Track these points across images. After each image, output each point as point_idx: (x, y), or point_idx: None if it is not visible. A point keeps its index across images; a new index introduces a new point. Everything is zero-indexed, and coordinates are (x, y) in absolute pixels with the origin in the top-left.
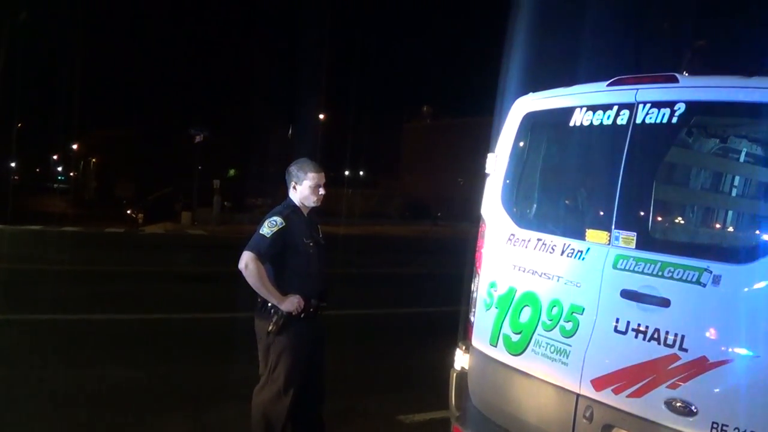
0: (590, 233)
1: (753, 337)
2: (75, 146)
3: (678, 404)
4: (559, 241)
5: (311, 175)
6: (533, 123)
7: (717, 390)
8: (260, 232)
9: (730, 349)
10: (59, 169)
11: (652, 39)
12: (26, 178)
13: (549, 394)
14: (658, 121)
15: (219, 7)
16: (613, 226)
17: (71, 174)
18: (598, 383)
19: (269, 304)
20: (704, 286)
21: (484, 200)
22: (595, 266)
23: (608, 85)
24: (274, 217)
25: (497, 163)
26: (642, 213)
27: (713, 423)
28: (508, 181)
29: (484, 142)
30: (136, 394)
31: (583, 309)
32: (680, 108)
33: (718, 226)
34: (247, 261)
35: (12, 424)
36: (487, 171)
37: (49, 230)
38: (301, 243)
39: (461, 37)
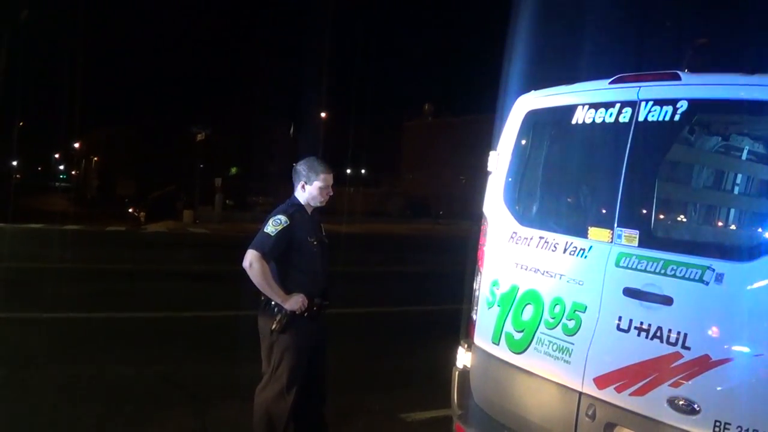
0: (593, 231)
1: (755, 336)
2: (77, 145)
3: (681, 402)
4: (562, 239)
5: (322, 176)
6: (535, 121)
7: (719, 388)
8: (265, 230)
9: (732, 348)
10: (61, 167)
11: (653, 36)
12: (28, 177)
13: (551, 392)
14: (661, 118)
15: (221, 5)
16: (615, 224)
17: (73, 172)
18: (601, 381)
19: (273, 303)
20: (707, 284)
21: (486, 198)
22: (597, 264)
23: (610, 83)
24: (279, 216)
25: (499, 161)
26: (644, 211)
27: (716, 421)
28: (510, 179)
29: (486, 140)
30: (139, 392)
31: (586, 307)
32: (682, 106)
33: (720, 224)
34: (251, 260)
35: (14, 421)
36: (489, 169)
37: (50, 229)
38: (305, 242)
39: (462, 35)
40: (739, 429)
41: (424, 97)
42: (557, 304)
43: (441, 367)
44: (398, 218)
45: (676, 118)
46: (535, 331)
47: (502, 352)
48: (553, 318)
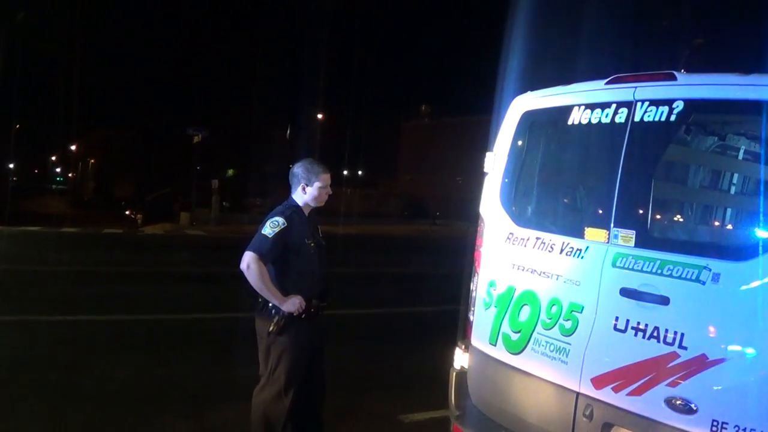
0: (589, 231)
1: (752, 335)
2: (73, 147)
3: (678, 402)
4: (558, 239)
5: (322, 176)
6: (532, 121)
7: (717, 388)
8: (262, 232)
9: (729, 347)
10: (57, 170)
11: (650, 37)
12: (25, 179)
13: (549, 392)
14: (657, 119)
15: (217, 7)
16: (612, 225)
17: (70, 175)
18: (598, 381)
19: (270, 305)
20: (703, 283)
21: (482, 199)
22: (594, 265)
23: (606, 83)
24: (276, 218)
25: (496, 162)
26: (641, 211)
27: (713, 421)
28: (506, 180)
29: (483, 141)
30: (136, 394)
31: (583, 307)
32: (678, 106)
33: (717, 223)
34: (248, 261)
35: (13, 425)
36: (485, 170)
37: (47, 231)
38: (302, 243)
39: (459, 36)
40: (737, 428)
41: (421, 98)
42: (554, 305)
43: (438, 368)
44: (395, 219)
45: (672, 118)
46: (532, 332)
47: (500, 353)
48: (550, 318)
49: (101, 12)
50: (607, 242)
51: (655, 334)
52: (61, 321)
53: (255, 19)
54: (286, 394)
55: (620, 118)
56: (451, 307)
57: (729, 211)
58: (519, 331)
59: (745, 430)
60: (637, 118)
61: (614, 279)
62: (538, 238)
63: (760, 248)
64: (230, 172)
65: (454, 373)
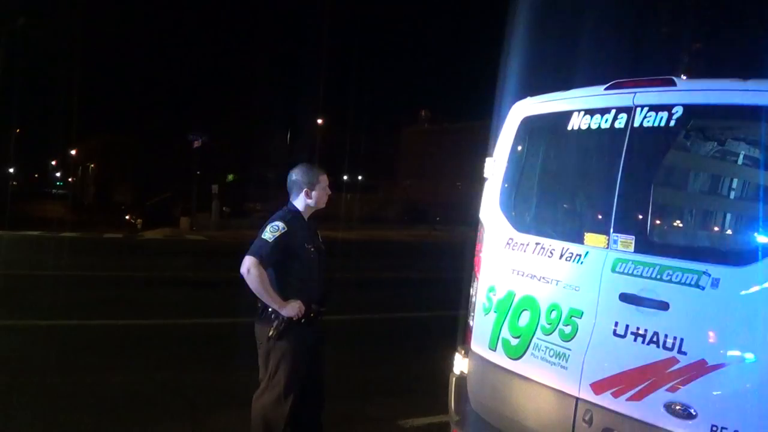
0: (589, 237)
1: (752, 340)
2: (73, 152)
3: (677, 407)
4: (558, 244)
5: (322, 177)
6: (531, 127)
7: (716, 393)
8: (262, 237)
9: (728, 352)
10: (57, 174)
11: (649, 42)
12: (24, 184)
13: (548, 397)
14: (656, 124)
15: (217, 12)
16: (611, 230)
17: (70, 179)
18: (598, 387)
19: (270, 309)
20: (703, 289)
21: (482, 204)
22: (593, 270)
23: (606, 89)
24: (276, 222)
25: (495, 168)
26: (640, 216)
27: (713, 426)
28: (506, 185)
29: (483, 147)
30: (136, 400)
31: (582, 313)
32: (678, 111)
33: (716, 228)
34: (249, 266)
35: (14, 429)
36: (485, 175)
37: (47, 236)
38: (302, 248)
39: (459, 41)
40: None
41: (421, 103)
42: (554, 310)
43: (438, 373)
44: (395, 224)
45: (672, 123)
46: (532, 337)
47: (499, 358)
48: (549, 324)
49: (102, 17)
50: (607, 247)
51: (654, 339)
52: (61, 326)
53: (254, 25)
54: (285, 398)
55: (620, 123)
56: (450, 313)
57: (728, 216)
58: (518, 337)
59: None
60: (636, 124)
61: (614, 284)
62: (537, 244)
63: (760, 253)
64: (230, 177)
65: (454, 378)
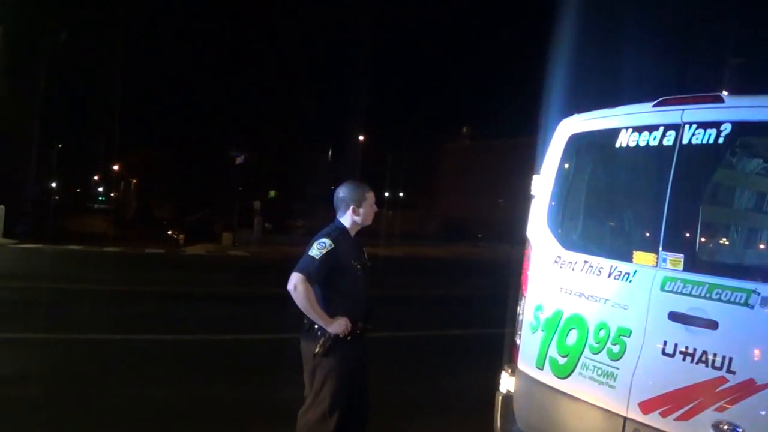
0: (637, 255)
1: None
2: (115, 167)
3: (725, 427)
4: (606, 263)
5: (369, 194)
6: (578, 144)
7: (764, 413)
8: (309, 253)
9: None
10: (99, 189)
11: (690, 58)
12: (67, 198)
13: (596, 417)
14: (705, 141)
15: (259, 29)
16: (660, 248)
17: (111, 194)
18: (646, 406)
19: (316, 326)
20: (752, 307)
21: (529, 222)
22: (642, 288)
23: (654, 106)
24: (324, 239)
25: (542, 185)
26: (689, 234)
27: None
28: (553, 203)
29: (524, 163)
30: (179, 415)
31: (631, 332)
32: (726, 128)
33: (764, 246)
34: (296, 282)
35: None
36: (532, 193)
37: (89, 250)
38: (348, 265)
39: (500, 57)
40: None
41: (462, 119)
42: (602, 329)
43: (483, 391)
44: (435, 241)
45: (720, 140)
46: (580, 356)
47: (547, 377)
48: (597, 343)
49: (144, 33)
50: (656, 266)
51: (703, 358)
52: (102, 340)
53: (297, 42)
54: (331, 415)
55: (668, 140)
56: (495, 331)
57: None
58: (566, 355)
59: None
60: (685, 141)
61: (663, 303)
62: (585, 262)
63: None
64: (272, 193)
65: (500, 397)
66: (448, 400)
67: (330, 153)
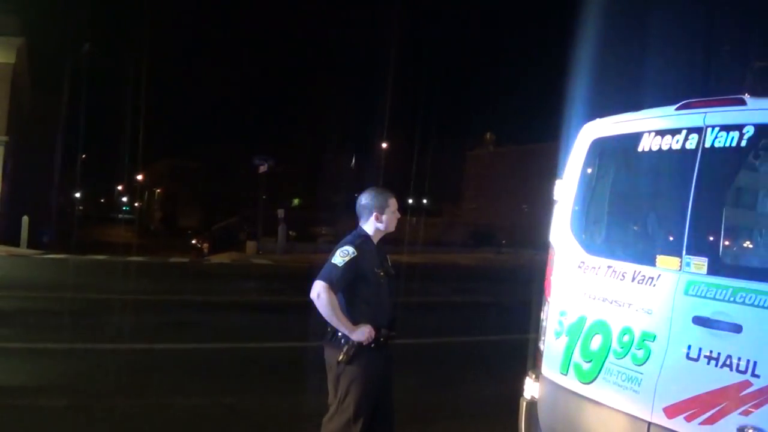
0: (661, 259)
1: None
2: (139, 177)
3: (750, 431)
4: (630, 267)
5: (392, 201)
6: (601, 149)
7: None
8: (332, 261)
9: None
10: (124, 199)
11: (711, 61)
12: (91, 208)
13: (620, 422)
14: (727, 144)
15: (282, 37)
16: (684, 252)
17: (135, 204)
18: (670, 411)
19: (339, 334)
20: None
21: (552, 227)
22: (666, 293)
23: (677, 109)
24: (346, 247)
25: (565, 190)
26: (712, 238)
27: None
28: (576, 208)
29: (548, 169)
30: (203, 423)
31: (655, 336)
32: (749, 131)
33: None
34: (319, 290)
35: None
36: (555, 198)
37: (114, 260)
38: (371, 273)
39: (523, 63)
40: None
41: (486, 126)
42: (626, 334)
43: (507, 397)
44: (460, 248)
45: (743, 143)
46: (604, 361)
47: (571, 383)
48: (622, 348)
49: (168, 42)
50: (680, 270)
51: (727, 362)
52: (127, 349)
53: (321, 50)
54: (355, 423)
55: (691, 144)
56: (518, 336)
57: None
58: (590, 361)
59: None
60: (707, 144)
61: (687, 307)
62: (609, 267)
63: None
64: (296, 201)
65: (525, 403)
66: (472, 407)
67: (354, 160)
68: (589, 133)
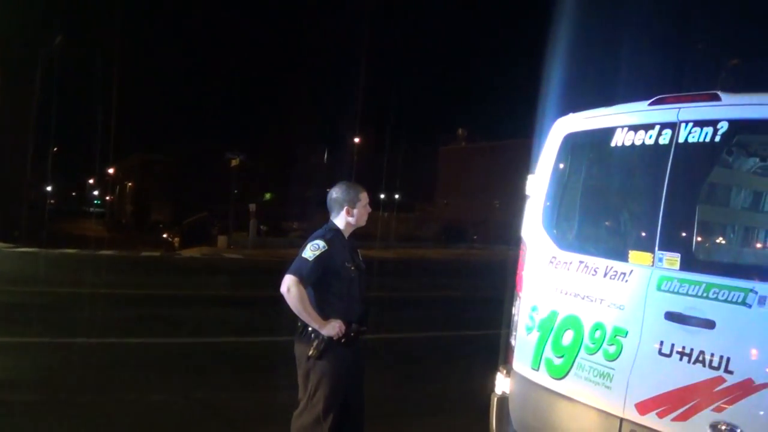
0: (633, 255)
1: None
2: (111, 170)
3: (723, 427)
4: (602, 263)
5: (363, 195)
6: (574, 144)
7: (762, 413)
8: (303, 255)
9: None
10: (95, 193)
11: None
12: (62, 202)
13: (592, 418)
14: (701, 140)
15: (254, 32)
16: (656, 248)
17: (107, 198)
18: (642, 407)
19: (310, 329)
20: (750, 307)
21: (524, 222)
22: (638, 288)
23: (650, 104)
24: (317, 241)
25: (537, 185)
26: (685, 234)
27: None
28: (548, 203)
29: (520, 165)
30: (174, 418)
31: (627, 332)
32: (723, 127)
33: (760, 245)
34: (289, 285)
35: None
36: (527, 193)
37: (85, 254)
38: (342, 267)
39: (495, 59)
40: None
41: (458, 122)
42: (598, 329)
43: (479, 393)
44: (432, 243)
45: (717, 139)
46: (576, 357)
47: (542, 378)
48: (593, 343)
49: (140, 36)
50: (652, 265)
51: (700, 358)
52: (98, 344)
53: (292, 45)
54: (325, 418)
55: (664, 139)
56: (490, 332)
57: None
58: (562, 356)
59: None
60: (681, 140)
61: (659, 303)
62: (581, 262)
63: None
64: (267, 196)
65: (496, 399)
66: (444, 403)
67: (326, 155)
68: (562, 128)
